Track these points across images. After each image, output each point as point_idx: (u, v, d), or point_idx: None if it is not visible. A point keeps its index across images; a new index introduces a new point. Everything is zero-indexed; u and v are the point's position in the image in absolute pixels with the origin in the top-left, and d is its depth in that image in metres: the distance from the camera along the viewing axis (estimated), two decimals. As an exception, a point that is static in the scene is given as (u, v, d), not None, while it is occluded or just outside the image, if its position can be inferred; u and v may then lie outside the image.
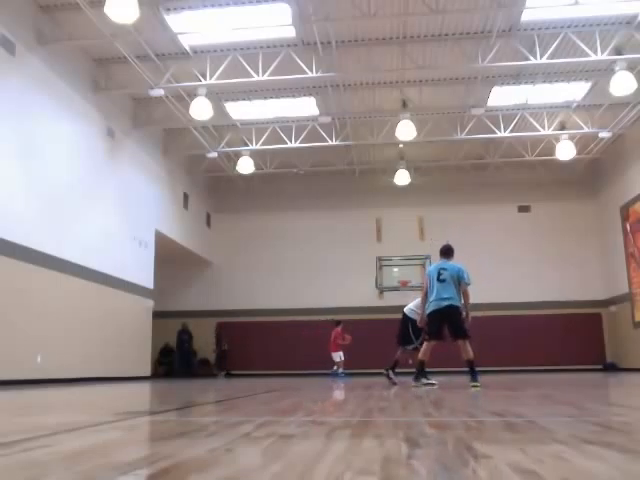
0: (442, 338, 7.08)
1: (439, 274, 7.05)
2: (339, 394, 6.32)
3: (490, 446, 2.00)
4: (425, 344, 7.20)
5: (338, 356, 14.77)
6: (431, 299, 7.08)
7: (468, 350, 6.80)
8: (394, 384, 7.90)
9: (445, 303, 6.91)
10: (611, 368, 16.92)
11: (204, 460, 1.73)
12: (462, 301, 7.07)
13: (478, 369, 6.85)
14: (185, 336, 18.31)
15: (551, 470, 1.53)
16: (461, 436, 2.26)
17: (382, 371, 8.85)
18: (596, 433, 2.35)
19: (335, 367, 14.81)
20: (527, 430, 2.54)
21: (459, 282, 6.98)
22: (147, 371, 14.75)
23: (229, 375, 17.53)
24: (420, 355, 7.20)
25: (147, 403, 5.41)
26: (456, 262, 7.26)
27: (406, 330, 8.50)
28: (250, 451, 1.95)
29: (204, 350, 18.76)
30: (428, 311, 7.14)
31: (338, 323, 15.18)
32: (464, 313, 7.04)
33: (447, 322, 6.98)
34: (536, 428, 2.60)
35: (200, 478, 1.49)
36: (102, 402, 5.37)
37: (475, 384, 6.57)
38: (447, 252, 7.30)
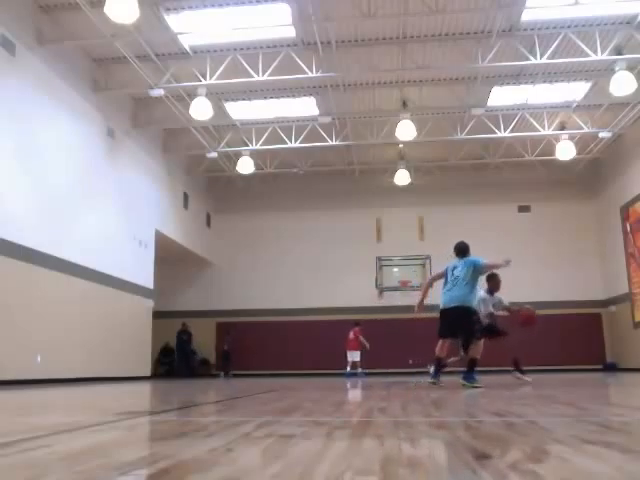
0: (453, 336, 6.87)
1: (453, 271, 6.91)
2: (339, 394, 6.32)
3: (490, 446, 2.00)
4: (440, 341, 6.94)
5: (356, 355, 14.86)
6: (443, 291, 6.95)
7: (475, 348, 6.59)
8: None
9: (453, 304, 6.73)
10: (611, 368, 16.92)
11: (204, 460, 1.73)
12: (477, 298, 6.94)
13: (479, 369, 6.75)
14: (185, 336, 18.31)
15: (551, 470, 1.53)
16: (461, 436, 2.26)
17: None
18: (596, 433, 2.35)
19: (356, 368, 14.86)
20: (527, 430, 2.54)
21: (474, 272, 6.76)
22: (147, 371, 14.75)
23: (231, 375, 17.50)
24: (436, 351, 6.95)
25: (147, 403, 5.41)
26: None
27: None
28: (250, 451, 1.95)
29: (204, 350, 18.76)
30: (440, 308, 6.96)
31: (357, 324, 15.34)
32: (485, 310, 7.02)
33: (456, 324, 6.75)
34: (536, 428, 2.60)
35: (200, 478, 1.49)
36: (102, 402, 5.37)
37: (465, 383, 6.42)
38: (460, 251, 7.06)
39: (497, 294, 8.26)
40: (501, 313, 8.25)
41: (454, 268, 6.91)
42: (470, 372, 6.61)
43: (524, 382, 7.87)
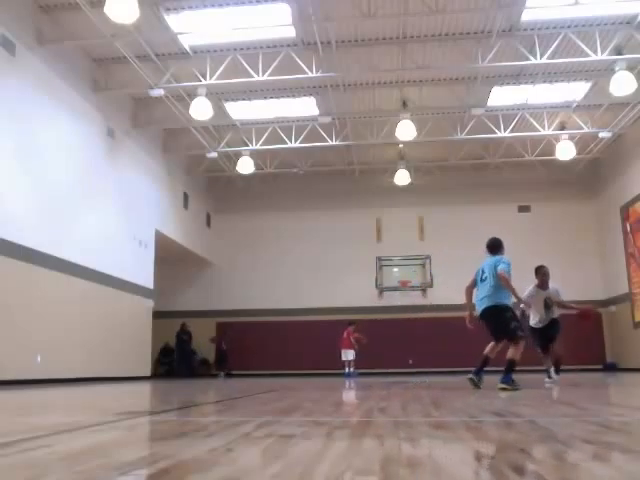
0: (498, 339, 6.57)
1: (482, 272, 6.65)
2: (339, 394, 6.32)
3: (490, 446, 2.00)
4: (491, 343, 6.68)
5: (350, 354, 14.93)
6: (476, 295, 6.70)
7: (512, 350, 6.28)
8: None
9: (482, 306, 6.49)
10: (611, 368, 16.91)
11: (204, 460, 1.73)
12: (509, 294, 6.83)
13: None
14: (184, 336, 18.30)
15: (551, 470, 1.53)
16: (461, 436, 2.26)
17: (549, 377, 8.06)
18: (596, 433, 2.35)
19: (350, 367, 14.96)
20: (527, 430, 2.54)
21: (496, 272, 6.42)
22: (147, 371, 14.74)
23: (229, 375, 17.53)
24: (486, 350, 6.66)
25: (147, 403, 5.41)
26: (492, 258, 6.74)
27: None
28: (250, 451, 1.95)
29: (204, 350, 18.76)
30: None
31: (350, 324, 15.40)
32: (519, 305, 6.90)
33: (492, 326, 6.50)
34: (536, 428, 2.60)
35: (200, 478, 1.49)
36: (102, 402, 5.37)
37: (503, 386, 6.14)
38: (490, 248, 6.84)
39: (553, 285, 7.96)
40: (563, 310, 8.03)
41: (482, 272, 6.65)
42: (508, 374, 6.24)
43: (553, 382, 7.74)
